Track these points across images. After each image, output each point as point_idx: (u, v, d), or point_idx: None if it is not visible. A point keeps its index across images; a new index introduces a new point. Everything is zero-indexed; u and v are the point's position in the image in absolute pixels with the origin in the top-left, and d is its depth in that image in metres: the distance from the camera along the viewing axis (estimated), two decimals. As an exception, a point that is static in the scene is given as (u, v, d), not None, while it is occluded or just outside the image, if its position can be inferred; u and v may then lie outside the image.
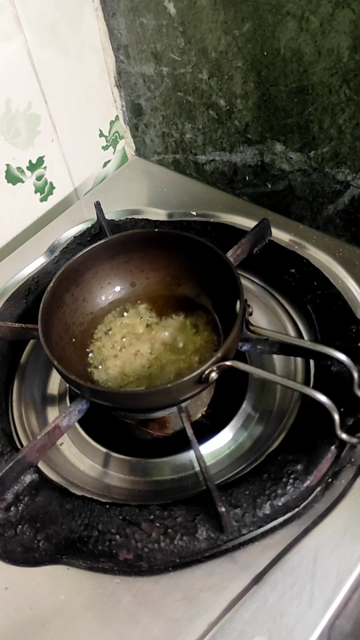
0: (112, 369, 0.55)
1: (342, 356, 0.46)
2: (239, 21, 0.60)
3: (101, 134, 0.84)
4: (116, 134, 0.86)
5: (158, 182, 0.80)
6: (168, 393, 0.46)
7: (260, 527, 0.45)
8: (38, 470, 0.50)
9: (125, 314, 0.59)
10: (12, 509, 0.48)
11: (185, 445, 0.50)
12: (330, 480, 0.47)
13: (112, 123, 0.85)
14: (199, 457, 0.46)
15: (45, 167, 0.77)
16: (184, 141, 0.78)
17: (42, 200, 0.80)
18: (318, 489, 0.46)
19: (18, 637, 0.43)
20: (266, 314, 0.63)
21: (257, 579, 0.43)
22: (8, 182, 0.74)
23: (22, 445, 0.56)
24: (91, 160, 0.85)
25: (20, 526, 0.47)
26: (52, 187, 0.80)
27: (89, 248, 0.57)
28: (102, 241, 0.57)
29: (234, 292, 0.50)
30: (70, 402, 0.59)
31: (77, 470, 0.54)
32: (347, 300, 0.58)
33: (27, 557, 0.46)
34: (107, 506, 0.47)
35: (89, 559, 0.45)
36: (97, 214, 0.68)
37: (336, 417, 0.44)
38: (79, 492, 0.50)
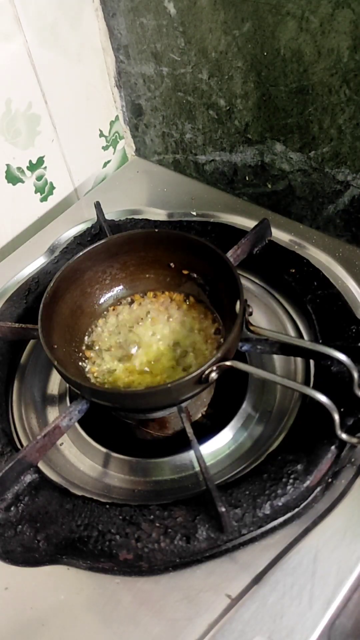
0: (112, 369, 0.55)
1: (342, 356, 0.46)
2: (239, 21, 0.60)
3: (101, 134, 0.84)
4: (116, 134, 0.86)
5: (158, 182, 0.80)
6: (168, 393, 0.46)
7: (260, 527, 0.45)
8: (38, 471, 0.50)
9: (125, 313, 0.59)
10: (12, 509, 0.48)
11: (185, 445, 0.50)
12: (330, 480, 0.47)
13: (112, 123, 0.85)
14: (199, 457, 0.46)
15: (45, 167, 0.77)
16: (184, 141, 0.78)
17: (42, 200, 0.80)
18: (318, 489, 0.46)
19: (18, 637, 0.43)
20: (266, 314, 0.63)
21: (257, 579, 0.43)
22: (8, 182, 0.74)
23: (22, 445, 0.56)
24: (91, 160, 0.85)
25: (20, 526, 0.47)
26: (52, 187, 0.80)
27: (89, 248, 0.57)
28: (102, 241, 0.57)
29: (234, 292, 0.50)
30: (70, 402, 0.59)
31: (77, 470, 0.54)
32: (347, 300, 0.58)
33: (27, 557, 0.46)
34: (107, 506, 0.47)
35: (89, 559, 0.45)
36: (97, 214, 0.68)
37: (336, 417, 0.45)
38: (79, 492, 0.50)
